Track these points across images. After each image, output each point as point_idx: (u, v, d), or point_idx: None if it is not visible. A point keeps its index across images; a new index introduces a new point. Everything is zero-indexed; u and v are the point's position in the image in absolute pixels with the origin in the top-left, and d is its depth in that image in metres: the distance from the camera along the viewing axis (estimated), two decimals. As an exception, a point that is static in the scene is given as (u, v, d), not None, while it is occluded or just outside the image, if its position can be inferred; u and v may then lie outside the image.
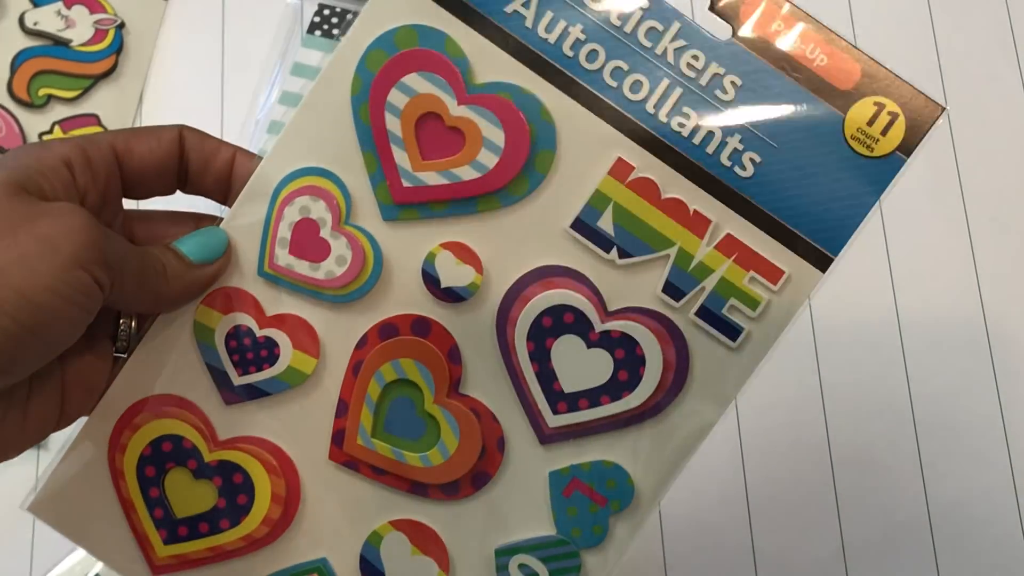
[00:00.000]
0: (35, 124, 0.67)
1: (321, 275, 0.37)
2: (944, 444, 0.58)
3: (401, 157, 0.36)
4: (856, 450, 0.58)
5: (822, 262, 0.36)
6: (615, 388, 0.37)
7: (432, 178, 0.36)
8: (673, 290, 0.36)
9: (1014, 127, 0.64)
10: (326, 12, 0.69)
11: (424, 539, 0.38)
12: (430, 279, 0.37)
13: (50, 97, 0.67)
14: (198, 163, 0.37)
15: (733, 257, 0.36)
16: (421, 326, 0.37)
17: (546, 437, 0.37)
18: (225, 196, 0.38)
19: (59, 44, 0.68)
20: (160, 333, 0.37)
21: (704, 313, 0.36)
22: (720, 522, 0.57)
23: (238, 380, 0.37)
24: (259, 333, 0.37)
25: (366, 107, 0.36)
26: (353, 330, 0.37)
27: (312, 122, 0.37)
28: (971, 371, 0.60)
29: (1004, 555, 0.57)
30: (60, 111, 0.67)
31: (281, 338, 0.37)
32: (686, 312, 0.36)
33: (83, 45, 0.68)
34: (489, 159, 0.36)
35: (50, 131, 0.67)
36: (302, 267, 0.37)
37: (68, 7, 0.68)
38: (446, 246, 0.37)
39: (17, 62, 0.67)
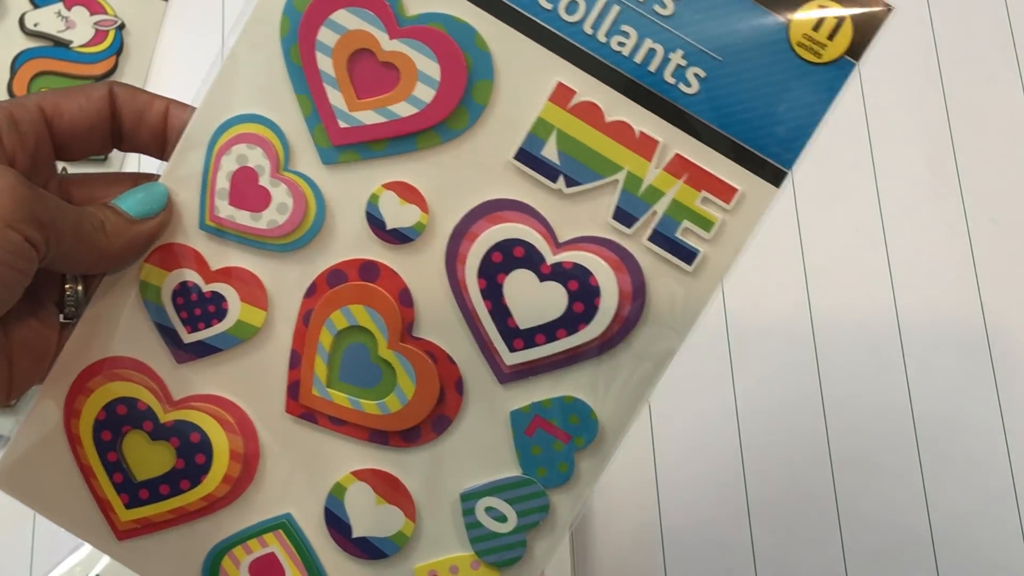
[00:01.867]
0: (35, 125, 0.67)
1: (263, 224, 0.36)
2: (944, 445, 0.58)
3: (336, 97, 0.35)
4: (856, 451, 0.57)
5: (776, 176, 0.35)
6: (571, 321, 0.36)
7: (369, 117, 0.35)
8: (624, 216, 0.35)
9: (1014, 127, 0.63)
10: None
11: (388, 487, 0.37)
12: (375, 221, 0.36)
13: None
14: (131, 118, 0.36)
15: (684, 178, 0.35)
16: (369, 270, 0.36)
17: (505, 376, 0.36)
18: (162, 151, 0.37)
19: (59, 45, 0.68)
20: (106, 295, 0.37)
21: (657, 238, 0.35)
22: (720, 523, 0.56)
23: (188, 337, 0.37)
24: (205, 288, 0.37)
25: (296, 48, 0.35)
26: (301, 279, 0.37)
27: (243, 68, 0.36)
28: (971, 371, 0.59)
29: (1004, 556, 0.56)
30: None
31: (228, 292, 0.37)
32: (639, 238, 0.35)
33: (83, 46, 0.68)
34: (426, 93, 0.35)
35: (50, 132, 0.67)
36: (243, 217, 0.36)
37: (68, 8, 0.68)
38: (389, 186, 0.36)
39: (17, 63, 0.67)
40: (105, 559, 0.52)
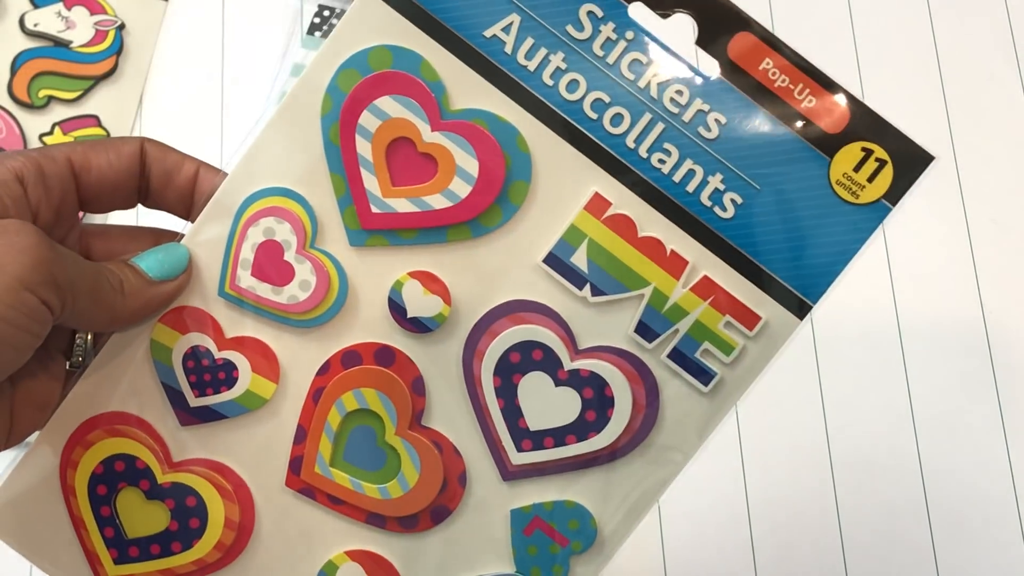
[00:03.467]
0: (35, 125, 0.66)
1: (284, 299, 0.36)
2: (944, 444, 0.58)
3: (371, 182, 0.35)
4: (856, 451, 0.57)
5: (800, 309, 0.35)
6: (582, 428, 0.36)
7: (402, 205, 0.35)
8: (646, 331, 0.35)
9: (1014, 127, 0.64)
10: (326, 13, 0.67)
11: (380, 571, 0.37)
12: (396, 308, 0.36)
13: (50, 98, 0.66)
14: (160, 177, 0.36)
15: (709, 300, 0.35)
16: (385, 355, 0.36)
17: (509, 474, 0.36)
18: (188, 212, 0.37)
19: (59, 45, 0.67)
20: (116, 349, 0.36)
21: (677, 356, 0.35)
22: (720, 523, 0.56)
23: (194, 401, 0.36)
24: (218, 355, 0.36)
25: (336, 128, 0.35)
26: (315, 356, 0.36)
27: (279, 140, 0.35)
28: (971, 372, 0.59)
29: (1004, 555, 0.57)
30: (60, 112, 0.66)
31: (240, 361, 0.36)
32: (658, 354, 0.35)
33: (83, 46, 0.67)
34: (462, 188, 0.35)
35: (50, 132, 0.66)
36: (264, 290, 0.36)
37: (68, 8, 0.67)
38: (414, 275, 0.36)
39: (17, 63, 0.66)
40: None
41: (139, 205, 0.37)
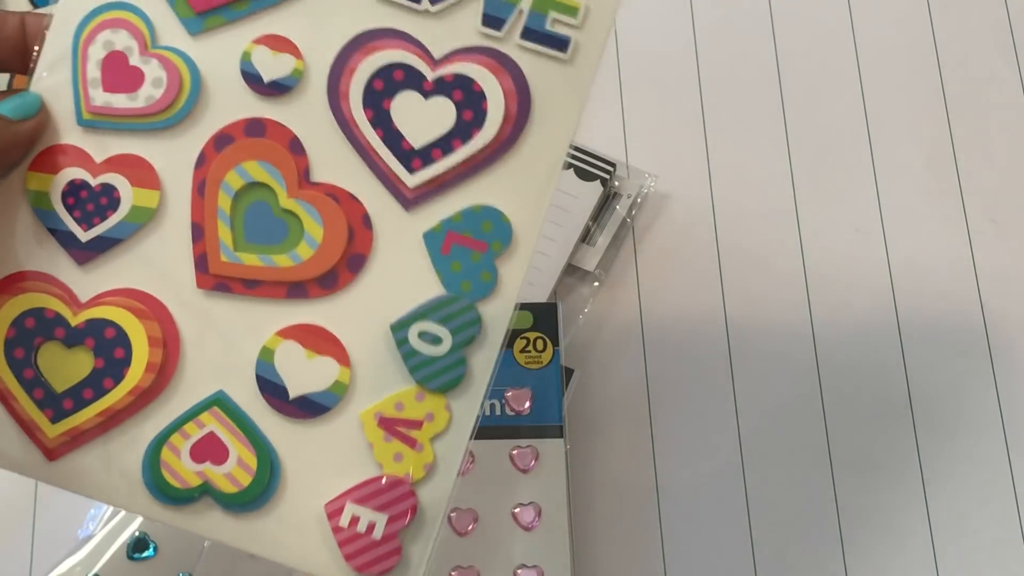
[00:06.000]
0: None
1: (141, 103, 0.36)
2: (944, 444, 0.58)
3: (190, -35, 0.36)
4: (856, 450, 0.57)
5: (626, -47, 0.36)
6: (464, 129, 0.36)
7: (225, -23, 0.36)
8: (492, 20, 0.36)
9: (1014, 127, 0.64)
10: None
11: (316, 339, 0.36)
12: (251, 77, 0.36)
13: None
14: None
15: (540, -29, 0.36)
16: (255, 127, 0.36)
17: (410, 201, 0.36)
18: (25, 64, 0.37)
19: None
20: (-4, 214, 0.36)
21: (529, 34, 0.36)
22: (720, 523, 0.56)
23: (85, 235, 0.36)
24: (94, 182, 0.36)
25: (142, -75, 0.36)
26: (188, 151, 0.36)
27: (93, -43, 0.36)
28: (971, 371, 0.59)
29: (1004, 555, 0.57)
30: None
31: (118, 180, 0.36)
32: (511, 39, 0.36)
33: None
34: (275, -58, 0.36)
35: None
36: (120, 100, 0.36)
37: None
38: (259, 41, 0.36)
39: None
40: (105, 558, 0.49)
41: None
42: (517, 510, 0.50)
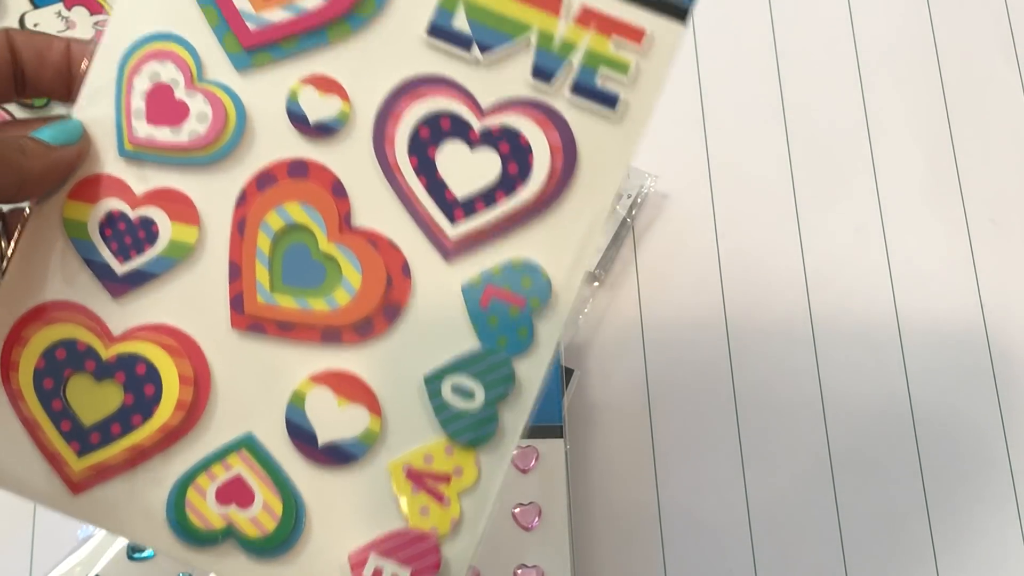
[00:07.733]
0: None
1: (184, 137, 0.36)
2: (944, 445, 0.58)
3: (241, 1, 0.35)
4: (856, 451, 0.57)
5: (679, 14, 0.35)
6: (508, 182, 0.35)
7: (276, 15, 0.36)
8: (542, 73, 0.36)
9: (1014, 127, 0.64)
10: None
11: (348, 387, 0.36)
12: (297, 117, 0.36)
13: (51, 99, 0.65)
14: (32, 60, 0.36)
15: (593, 26, 0.35)
16: (298, 168, 0.36)
17: (450, 252, 0.36)
18: (68, 91, 0.37)
19: None
20: (31, 242, 0.36)
21: (578, 88, 0.36)
22: (720, 523, 0.56)
23: (121, 268, 0.36)
24: (133, 215, 0.36)
25: (194, -41, 0.35)
26: (229, 188, 0.36)
27: (143, -11, 0.36)
28: (971, 372, 0.59)
29: (1004, 555, 0.57)
30: (61, 112, 0.65)
31: (157, 214, 0.36)
32: (560, 92, 0.36)
33: None
34: (328, -17, 0.35)
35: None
36: (163, 134, 0.36)
37: (68, 8, 0.67)
38: (306, 81, 0.36)
39: None
40: (105, 559, 0.49)
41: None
42: (517, 510, 0.50)
